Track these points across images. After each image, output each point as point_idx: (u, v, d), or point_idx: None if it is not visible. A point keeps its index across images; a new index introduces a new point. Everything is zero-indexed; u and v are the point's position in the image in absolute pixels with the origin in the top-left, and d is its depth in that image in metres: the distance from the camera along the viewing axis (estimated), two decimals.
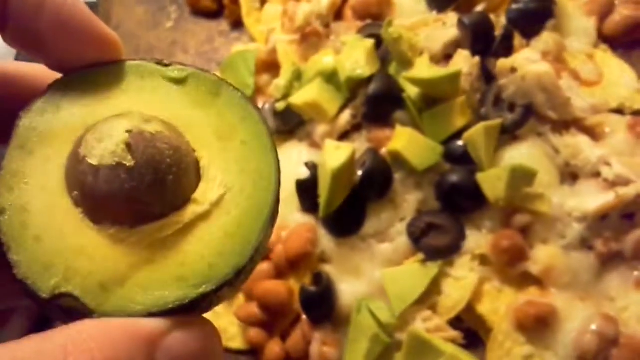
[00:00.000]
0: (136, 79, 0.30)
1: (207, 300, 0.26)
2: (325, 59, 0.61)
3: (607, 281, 0.52)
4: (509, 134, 0.57)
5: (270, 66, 0.67)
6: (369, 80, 0.58)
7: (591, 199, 0.52)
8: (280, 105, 0.61)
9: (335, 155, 0.54)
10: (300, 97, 0.60)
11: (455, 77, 0.56)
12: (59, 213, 0.27)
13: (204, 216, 0.28)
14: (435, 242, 0.54)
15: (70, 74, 0.29)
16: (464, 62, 0.58)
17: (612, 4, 0.67)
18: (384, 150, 0.57)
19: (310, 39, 0.64)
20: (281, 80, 0.62)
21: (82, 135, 0.27)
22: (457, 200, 0.55)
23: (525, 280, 0.53)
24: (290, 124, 0.62)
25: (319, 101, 0.59)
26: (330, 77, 0.60)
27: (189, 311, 0.25)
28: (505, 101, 0.57)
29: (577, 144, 0.55)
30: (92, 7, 0.98)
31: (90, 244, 0.27)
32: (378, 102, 0.58)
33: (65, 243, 0.27)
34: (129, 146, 0.26)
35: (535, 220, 0.53)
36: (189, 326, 0.25)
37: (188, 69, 0.30)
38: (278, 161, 0.29)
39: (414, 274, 0.54)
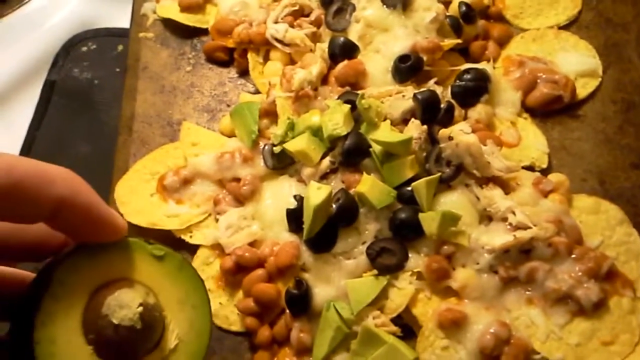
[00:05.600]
0: (132, 251, 0.42)
1: None
2: (313, 118, 0.80)
3: (506, 297, 0.72)
4: (445, 184, 0.76)
5: (270, 113, 0.86)
6: (345, 136, 0.78)
7: (499, 237, 0.72)
8: (277, 149, 0.80)
9: (317, 194, 0.73)
10: (293, 145, 0.79)
11: (408, 141, 0.75)
12: (76, 348, 0.38)
13: (165, 358, 0.42)
14: (386, 261, 0.74)
15: (90, 244, 0.41)
16: (415, 129, 0.77)
17: (535, 82, 0.87)
18: (353, 190, 0.76)
19: (302, 99, 0.83)
20: (278, 130, 0.81)
21: (97, 292, 0.40)
22: (404, 231, 0.74)
23: (448, 292, 0.73)
24: (283, 162, 0.81)
25: (306, 150, 0.78)
26: (316, 132, 0.79)
27: None
28: (443, 160, 0.76)
29: (492, 195, 0.75)
30: (122, 33, 1.15)
31: None
32: (351, 154, 0.77)
33: None
34: (141, 315, 0.39)
35: (457, 250, 0.73)
36: None
37: (165, 249, 0.43)
38: (212, 320, 0.43)
39: (369, 284, 0.73)
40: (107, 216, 0.40)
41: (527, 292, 0.73)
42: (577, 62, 0.89)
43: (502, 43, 0.92)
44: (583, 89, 0.87)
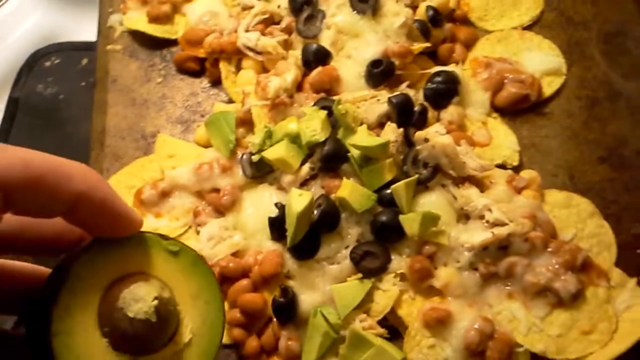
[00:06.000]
0: (148, 246, 0.42)
1: None
2: (290, 125, 0.80)
3: (487, 293, 0.74)
4: (422, 185, 0.78)
5: (245, 122, 0.86)
6: (323, 142, 0.78)
7: (477, 234, 0.74)
8: (256, 157, 0.80)
9: (298, 200, 0.74)
10: (271, 153, 0.79)
11: (386, 144, 0.76)
12: (92, 341, 0.39)
13: (179, 352, 0.42)
14: (369, 264, 0.75)
15: (106, 238, 0.41)
16: (392, 132, 0.79)
17: (502, 82, 0.89)
18: (333, 196, 0.77)
19: (278, 107, 0.83)
20: (256, 139, 0.81)
21: (113, 286, 0.40)
22: (386, 233, 0.76)
23: (431, 291, 0.74)
24: (262, 171, 0.81)
25: (285, 157, 0.79)
26: (294, 139, 0.80)
27: None
28: (420, 161, 0.78)
29: (469, 194, 0.77)
30: (86, 47, 1.14)
31: None
32: (330, 159, 0.78)
33: None
34: (156, 308, 0.39)
35: (438, 249, 0.75)
36: None
37: (180, 244, 0.44)
38: (225, 316, 0.44)
39: (354, 288, 0.74)
40: (123, 211, 0.40)
41: (507, 287, 0.74)
42: (541, 61, 0.92)
43: (469, 45, 0.94)
44: (548, 87, 0.90)
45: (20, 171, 0.34)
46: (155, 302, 0.39)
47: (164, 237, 0.43)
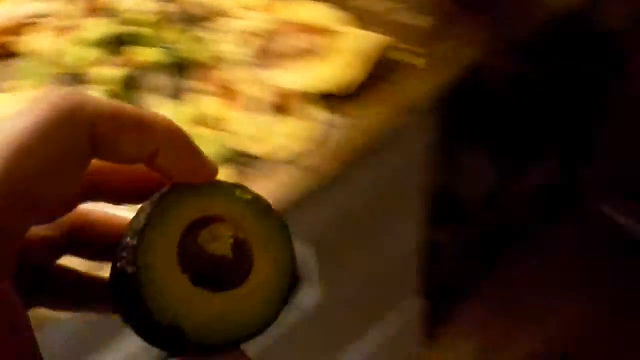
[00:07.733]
0: (223, 193, 0.47)
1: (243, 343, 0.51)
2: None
3: None
4: None
5: None
6: None
7: None
8: None
9: None
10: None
11: None
12: (173, 275, 0.44)
13: (250, 292, 0.46)
14: None
15: (185, 184, 0.48)
16: None
17: None
18: None
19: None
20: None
21: (192, 227, 0.45)
22: None
23: None
24: None
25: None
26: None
27: (234, 347, 0.46)
28: None
29: None
30: None
31: (191, 299, 0.46)
32: None
33: (176, 296, 0.44)
34: (231, 246, 0.45)
35: None
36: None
37: (253, 193, 0.50)
38: (295, 265, 0.51)
39: None
40: (201, 159, 0.45)
41: None
42: None
43: None
44: None
45: (109, 120, 0.40)
46: (232, 240, 0.43)
47: (238, 185, 0.48)
